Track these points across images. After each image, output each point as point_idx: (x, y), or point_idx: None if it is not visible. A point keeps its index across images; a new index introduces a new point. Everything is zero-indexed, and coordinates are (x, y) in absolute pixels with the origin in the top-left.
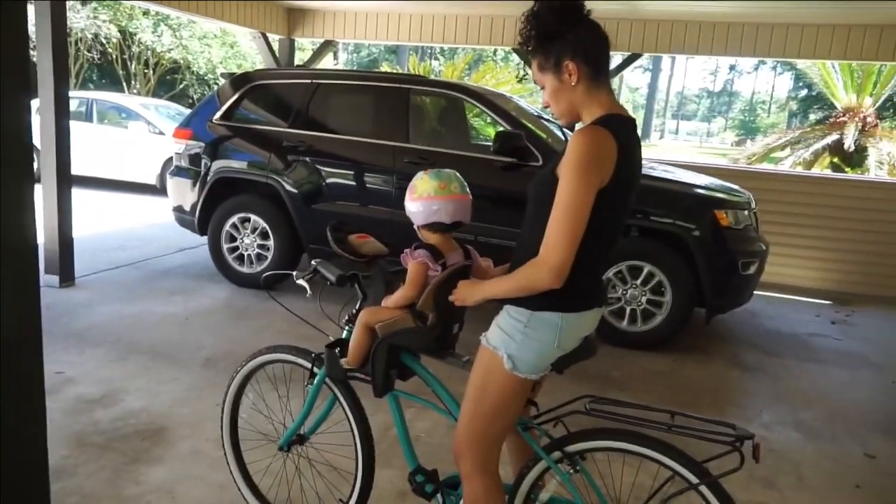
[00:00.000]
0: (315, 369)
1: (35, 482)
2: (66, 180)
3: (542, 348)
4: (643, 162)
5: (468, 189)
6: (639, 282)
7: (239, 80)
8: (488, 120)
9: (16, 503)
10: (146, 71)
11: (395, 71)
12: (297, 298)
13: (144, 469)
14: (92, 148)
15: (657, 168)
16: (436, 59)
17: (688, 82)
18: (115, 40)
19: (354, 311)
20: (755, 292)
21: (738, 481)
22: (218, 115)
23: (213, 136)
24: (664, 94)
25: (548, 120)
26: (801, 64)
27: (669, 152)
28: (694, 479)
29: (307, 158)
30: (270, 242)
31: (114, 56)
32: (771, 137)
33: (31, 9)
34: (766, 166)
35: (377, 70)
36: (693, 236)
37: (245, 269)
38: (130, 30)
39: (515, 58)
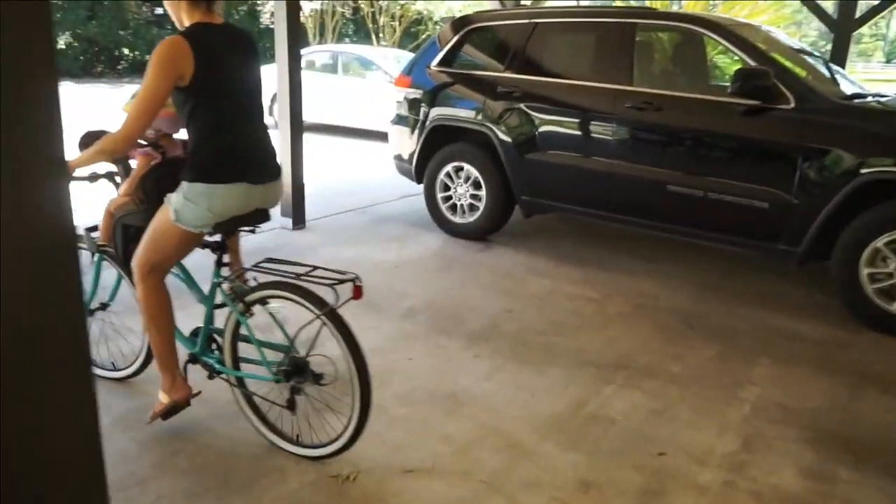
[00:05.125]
0: (93, 253)
1: None
2: (298, 129)
3: (197, 210)
4: None
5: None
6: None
7: (458, 24)
8: (736, 58)
9: None
10: (392, 23)
11: (624, 5)
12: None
13: (329, 417)
14: (335, 98)
15: None
16: None
17: None
18: None
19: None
20: None
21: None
22: (436, 60)
23: (432, 82)
24: None
25: (811, 54)
26: None
27: None
28: (318, 311)
29: (521, 105)
30: (482, 193)
31: (364, 10)
32: None
33: None
34: None
35: (600, 5)
36: None
37: (457, 219)
38: None
39: None
